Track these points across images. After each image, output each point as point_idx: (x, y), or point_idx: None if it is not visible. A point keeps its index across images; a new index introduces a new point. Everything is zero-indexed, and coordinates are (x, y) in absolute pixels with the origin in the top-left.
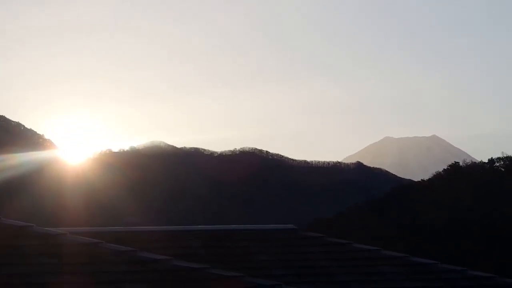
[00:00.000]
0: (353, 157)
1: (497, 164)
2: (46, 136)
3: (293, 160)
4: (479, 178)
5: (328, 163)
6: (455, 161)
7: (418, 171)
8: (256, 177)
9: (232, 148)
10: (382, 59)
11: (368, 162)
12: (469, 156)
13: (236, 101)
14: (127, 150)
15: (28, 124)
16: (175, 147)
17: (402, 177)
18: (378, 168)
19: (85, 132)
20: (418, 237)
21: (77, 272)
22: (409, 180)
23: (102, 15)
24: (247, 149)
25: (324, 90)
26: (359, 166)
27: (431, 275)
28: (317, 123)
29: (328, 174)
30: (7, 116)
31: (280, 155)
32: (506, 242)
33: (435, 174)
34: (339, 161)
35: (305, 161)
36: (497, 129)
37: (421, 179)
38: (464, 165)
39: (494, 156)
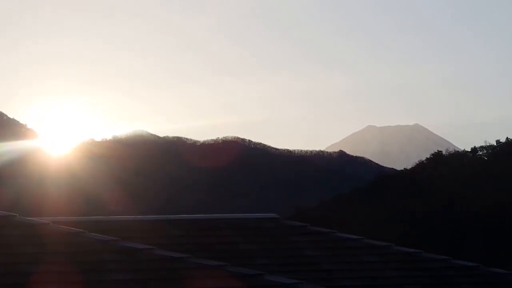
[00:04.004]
0: (336, 145)
1: (480, 153)
2: (29, 126)
3: (275, 149)
4: (462, 166)
5: (311, 151)
6: (437, 150)
7: (401, 159)
8: (239, 166)
9: (214, 137)
10: (365, 48)
11: (350, 150)
12: (451, 144)
13: (217, 90)
14: (109, 139)
15: (11, 114)
16: (158, 136)
17: (385, 165)
18: (361, 157)
19: (67, 122)
20: (401, 226)
21: (60, 262)
22: (392, 168)
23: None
24: (229, 138)
25: (306, 79)
26: (342, 154)
27: (414, 264)
28: (300, 111)
29: (310, 163)
30: None
31: (263, 144)
32: (490, 230)
33: (417, 162)
34: (321, 149)
35: (287, 150)
36: (479, 118)
37: (404, 168)
38: (447, 153)
39: (477, 145)
